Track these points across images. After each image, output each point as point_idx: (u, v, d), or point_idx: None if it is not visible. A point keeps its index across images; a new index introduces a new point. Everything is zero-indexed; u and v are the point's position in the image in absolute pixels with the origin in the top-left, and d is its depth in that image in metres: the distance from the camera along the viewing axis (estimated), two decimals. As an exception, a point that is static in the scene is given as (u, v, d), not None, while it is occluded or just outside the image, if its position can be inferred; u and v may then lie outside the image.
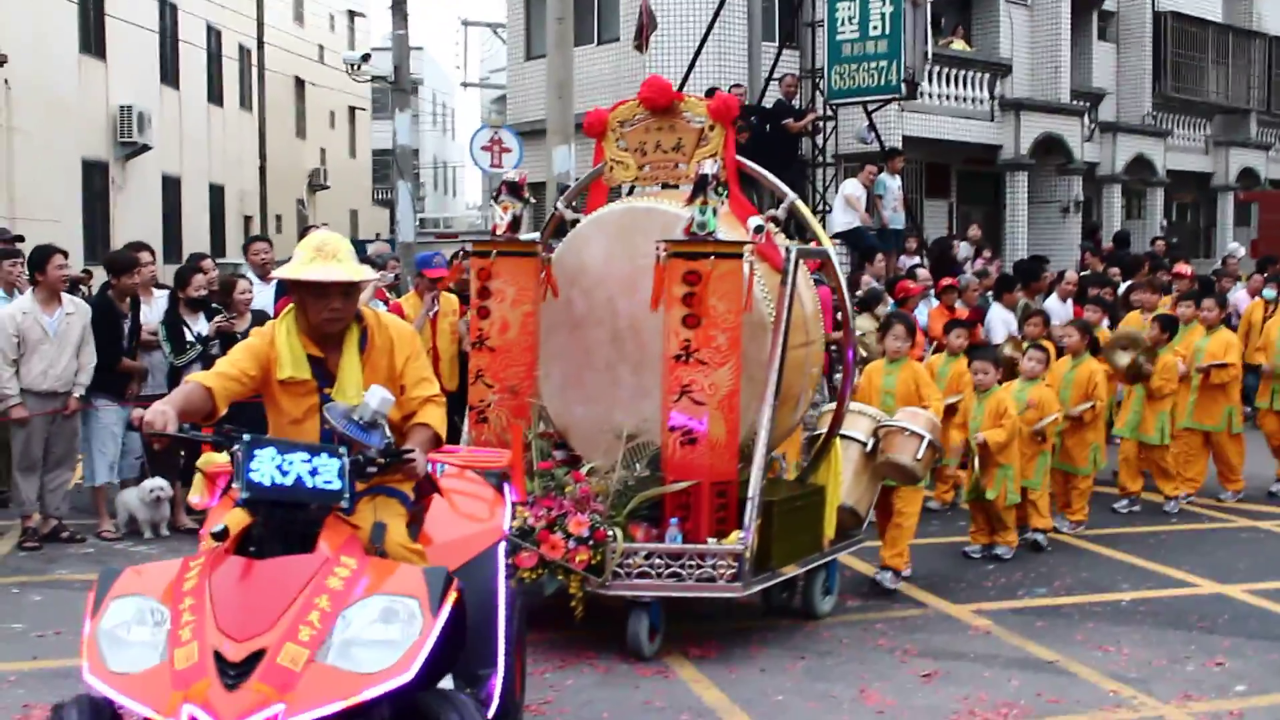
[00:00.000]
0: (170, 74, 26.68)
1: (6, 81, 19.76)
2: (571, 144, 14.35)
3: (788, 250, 7.06)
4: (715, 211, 6.49)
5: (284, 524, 3.97)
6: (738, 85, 16.69)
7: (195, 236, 26.12)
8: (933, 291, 12.24)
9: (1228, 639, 6.93)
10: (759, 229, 6.94)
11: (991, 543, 8.66)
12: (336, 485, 3.96)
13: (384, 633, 3.70)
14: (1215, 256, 24.92)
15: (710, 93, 10.58)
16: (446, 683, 4.23)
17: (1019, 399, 8.83)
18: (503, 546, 4.95)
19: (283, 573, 3.81)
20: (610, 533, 6.34)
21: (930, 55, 18.70)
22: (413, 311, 9.46)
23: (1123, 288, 13.52)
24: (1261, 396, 11.18)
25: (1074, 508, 9.50)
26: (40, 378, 8.70)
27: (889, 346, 8.24)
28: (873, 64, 17.04)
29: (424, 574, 3.91)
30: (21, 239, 12.15)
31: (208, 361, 9.07)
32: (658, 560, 6.38)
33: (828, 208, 16.91)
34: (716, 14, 17.73)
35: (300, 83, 37.01)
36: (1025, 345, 10.33)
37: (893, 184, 16.44)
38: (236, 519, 4.09)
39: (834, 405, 7.72)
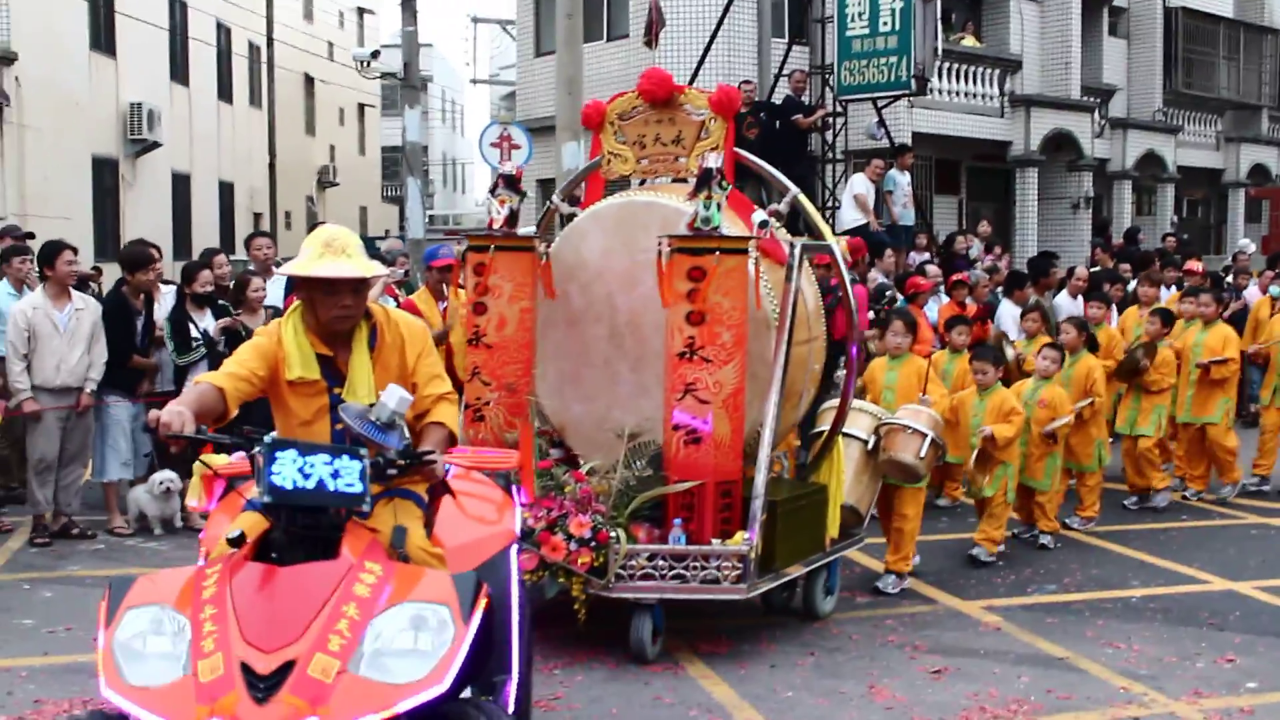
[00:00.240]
0: (180, 71, 26.72)
1: (17, 79, 19.81)
2: (581, 140, 14.33)
3: (792, 245, 6.97)
4: (720, 206, 6.39)
5: (306, 529, 3.84)
6: (747, 81, 16.69)
7: (205, 233, 26.16)
8: (943, 287, 12.21)
9: (1239, 636, 6.91)
10: (763, 224, 6.85)
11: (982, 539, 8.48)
12: (358, 488, 3.82)
13: (415, 642, 3.57)
14: (1226, 253, 24.85)
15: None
16: (464, 692, 4.11)
17: (1031, 398, 8.79)
18: (515, 549, 4.81)
19: (308, 580, 3.66)
20: (613, 534, 6.23)
21: (940, 51, 18.69)
22: (426, 308, 9.34)
23: (1133, 284, 13.47)
24: (1265, 391, 11.14)
25: (1084, 504, 9.49)
26: (53, 373, 8.72)
27: (889, 343, 8.18)
28: (883, 60, 17.01)
29: (454, 580, 3.78)
30: (32, 236, 12.18)
31: (215, 360, 9.08)
32: (661, 562, 6.27)
33: (837, 204, 16.88)
34: (726, 10, 17.72)
35: (310, 80, 37.06)
36: (1022, 342, 10.31)
37: (903, 180, 16.40)
38: (251, 523, 3.96)
39: (833, 402, 7.62)
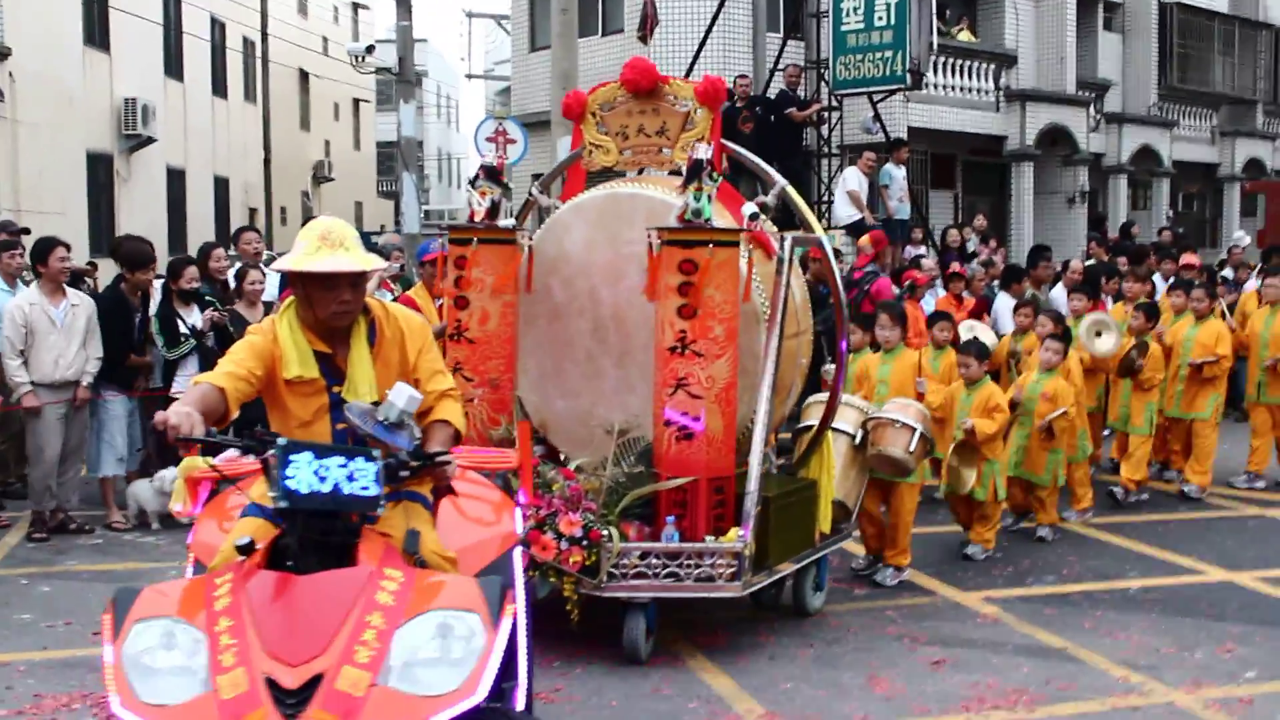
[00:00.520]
0: (174, 66, 26.66)
1: (11, 74, 19.76)
2: (577, 135, 14.32)
3: (782, 238, 6.90)
4: (710, 198, 6.23)
5: (322, 534, 3.68)
6: (743, 76, 16.69)
7: (200, 228, 26.10)
8: (939, 281, 12.23)
9: (1237, 626, 6.92)
10: (754, 216, 6.75)
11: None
12: (373, 491, 3.66)
13: (445, 651, 3.43)
14: (1221, 247, 24.90)
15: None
16: None
17: (1033, 391, 8.77)
18: (518, 552, 4.67)
19: (328, 588, 3.50)
20: (605, 532, 6.10)
21: (935, 46, 18.69)
22: (424, 303, 9.33)
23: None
24: (1250, 386, 10.98)
25: (1077, 496, 9.44)
26: (51, 368, 8.72)
27: (878, 337, 8.10)
28: (878, 54, 17.02)
29: (480, 585, 3.64)
30: (27, 231, 12.15)
31: (204, 353, 9.07)
32: (654, 560, 6.14)
33: (833, 199, 16.89)
34: (721, 5, 17.72)
35: (304, 75, 37.01)
36: (1015, 336, 10.29)
37: (898, 174, 16.41)
38: (257, 530, 3.85)
39: (819, 396, 7.55)
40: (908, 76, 17.00)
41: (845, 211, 15.86)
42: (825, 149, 18.33)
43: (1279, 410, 10.73)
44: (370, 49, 23.26)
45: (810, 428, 7.34)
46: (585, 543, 6.08)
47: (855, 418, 7.47)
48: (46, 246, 8.95)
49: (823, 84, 18.10)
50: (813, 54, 19.02)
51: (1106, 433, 10.87)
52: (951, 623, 7.03)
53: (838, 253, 12.98)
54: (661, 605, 6.35)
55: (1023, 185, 22.71)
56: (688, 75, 15.90)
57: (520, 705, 4.30)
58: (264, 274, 9.80)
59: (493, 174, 6.94)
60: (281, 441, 3.64)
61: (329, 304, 4.05)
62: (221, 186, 29.61)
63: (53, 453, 8.79)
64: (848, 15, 17.27)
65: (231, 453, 4.31)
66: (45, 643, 6.60)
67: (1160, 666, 6.26)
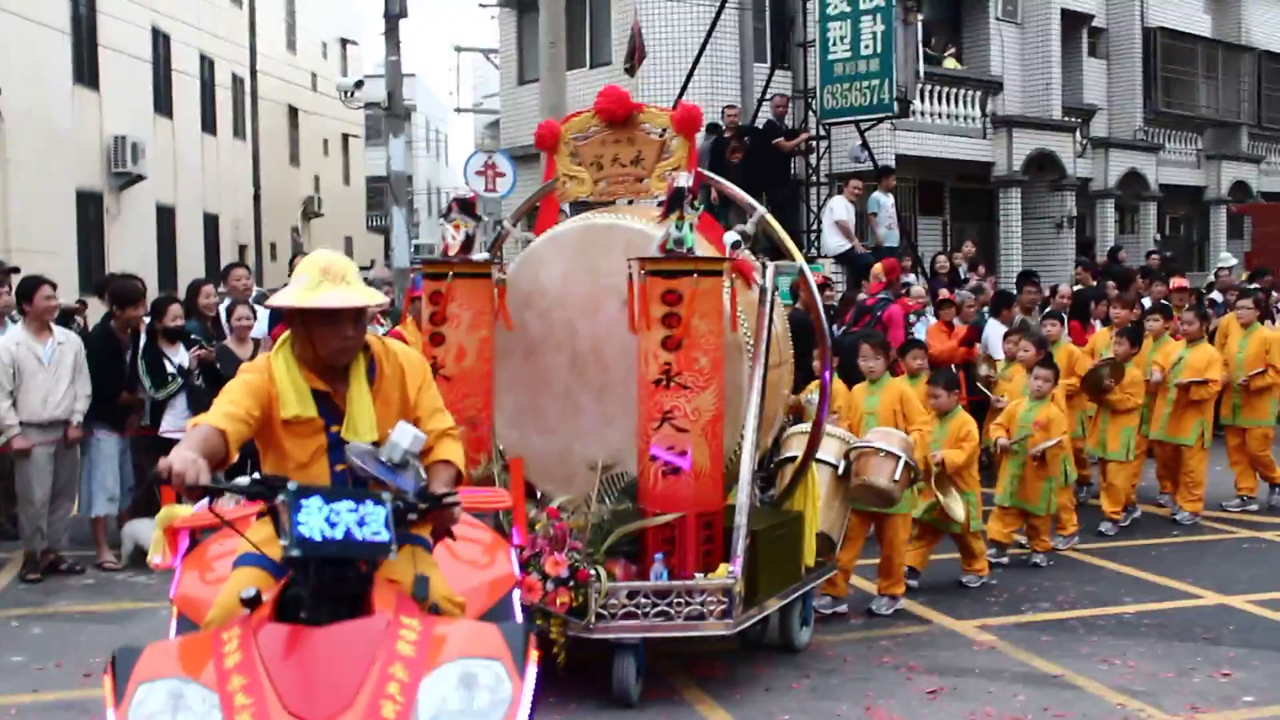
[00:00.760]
0: (164, 103, 26.71)
1: (0, 112, 19.78)
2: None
3: (764, 266, 6.81)
4: (692, 226, 6.12)
5: (334, 583, 3.50)
6: (731, 106, 16.77)
7: (190, 266, 26.09)
8: (930, 308, 12.26)
9: (1233, 650, 6.91)
10: (736, 244, 6.68)
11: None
12: (384, 536, 3.50)
13: (470, 702, 3.31)
14: (1209, 270, 24.98)
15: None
16: None
17: (1026, 420, 8.76)
18: (516, 594, 4.56)
19: (345, 640, 3.35)
20: (592, 572, 5.95)
21: (922, 74, 18.80)
22: (414, 338, 9.31)
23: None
24: (1225, 409, 10.96)
25: (1063, 523, 9.36)
26: (40, 407, 8.68)
27: (861, 367, 7.98)
28: (865, 83, 17.12)
29: (501, 631, 3.53)
30: (16, 270, 12.12)
31: (192, 393, 9.02)
32: (643, 599, 5.97)
33: (822, 227, 16.93)
34: (708, 36, 17.81)
35: (294, 110, 37.08)
36: (1001, 364, 10.29)
37: (886, 202, 16.47)
38: (257, 580, 3.71)
39: (800, 427, 7.45)
40: (895, 104, 17.08)
41: (834, 241, 15.91)
42: (814, 178, 18.39)
43: (1256, 435, 10.74)
44: (359, 84, 23.28)
45: (791, 459, 7.21)
46: (572, 583, 5.93)
47: (838, 448, 7.33)
48: (31, 285, 8.92)
49: (810, 113, 18.18)
50: (800, 83, 19.11)
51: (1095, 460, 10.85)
52: (948, 651, 7.00)
53: (829, 282, 13.05)
54: (652, 640, 6.21)
55: (1010, 211, 22.79)
56: (675, 107, 15.94)
57: None
58: (253, 310, 9.77)
59: (466, 207, 6.79)
60: (292, 486, 3.50)
61: (331, 340, 3.92)
62: (211, 223, 29.62)
63: (42, 493, 8.74)
64: (834, 44, 17.37)
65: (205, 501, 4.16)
66: (36, 685, 6.54)
67: (1157, 692, 6.24)
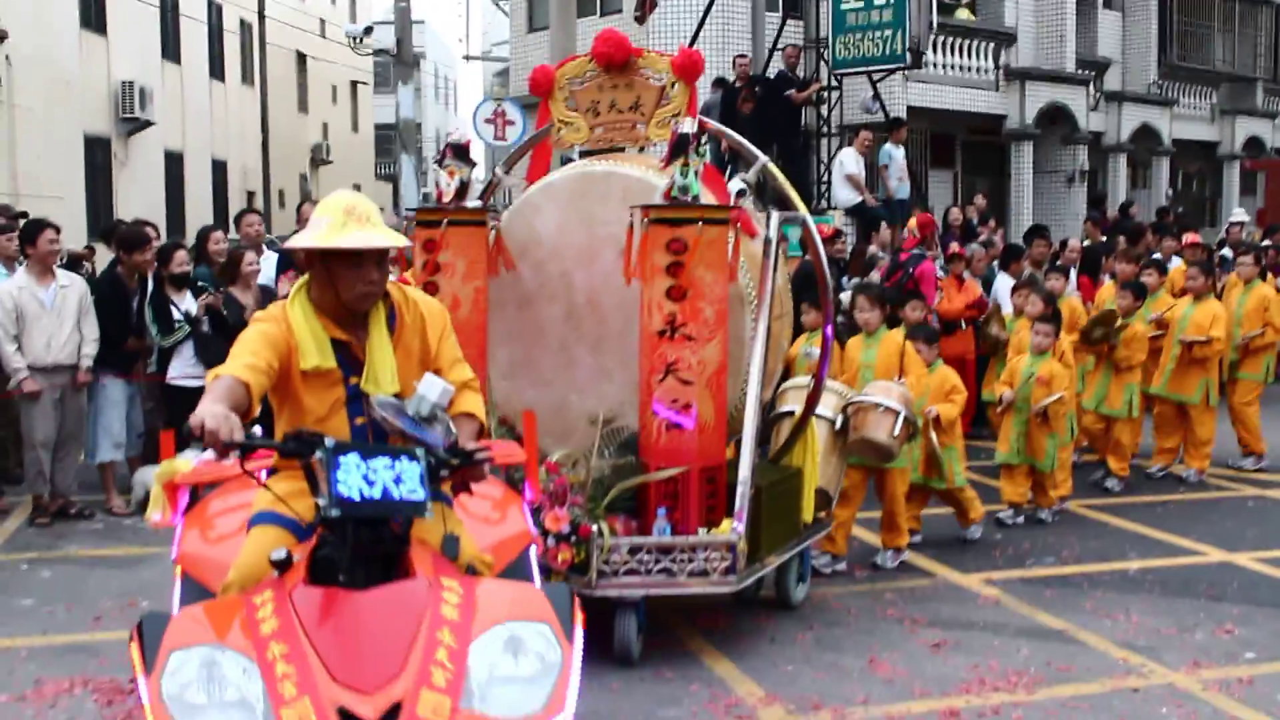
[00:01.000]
0: (171, 49, 26.58)
1: (8, 58, 19.70)
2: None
3: (769, 215, 6.68)
4: (697, 174, 5.93)
5: (371, 544, 3.35)
6: (742, 56, 16.65)
7: (198, 212, 26.07)
8: (940, 261, 12.20)
9: (1237, 607, 6.93)
10: (741, 193, 6.54)
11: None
12: (420, 494, 3.32)
13: (520, 668, 3.18)
14: (1220, 225, 24.87)
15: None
16: None
17: (1027, 374, 8.73)
18: (533, 551, 4.42)
19: (389, 604, 3.19)
20: (595, 528, 5.83)
21: (935, 24, 18.65)
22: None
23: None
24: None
25: (1055, 480, 9.34)
26: (44, 351, 8.68)
27: (857, 320, 7.88)
28: (877, 33, 16.99)
29: (547, 593, 3.41)
30: (25, 215, 12.12)
31: (199, 340, 9.01)
32: (646, 555, 5.86)
33: (833, 179, 16.86)
34: (720, -16, 17.67)
35: (302, 57, 36.88)
36: (1009, 318, 10.22)
37: (897, 154, 16.37)
38: (281, 540, 3.58)
39: (794, 381, 7.36)
40: (907, 55, 16.97)
41: (845, 194, 15.83)
42: (825, 129, 18.28)
43: (1245, 386, 10.70)
44: (368, 31, 23.22)
45: (788, 414, 7.12)
46: (574, 539, 5.84)
47: (835, 402, 7.22)
48: (35, 229, 8.91)
49: (822, 63, 18.05)
50: (812, 33, 18.98)
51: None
52: (951, 605, 7.03)
53: (838, 233, 12.99)
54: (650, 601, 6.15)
55: (1022, 164, 22.68)
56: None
57: None
58: (259, 255, 9.75)
59: (461, 153, 6.59)
60: (329, 443, 3.31)
61: (355, 284, 3.73)
62: (219, 170, 29.55)
63: (44, 436, 8.76)
64: (847, -6, 17.21)
65: (190, 454, 4.03)
66: (45, 627, 6.59)
67: (1160, 648, 6.26)
